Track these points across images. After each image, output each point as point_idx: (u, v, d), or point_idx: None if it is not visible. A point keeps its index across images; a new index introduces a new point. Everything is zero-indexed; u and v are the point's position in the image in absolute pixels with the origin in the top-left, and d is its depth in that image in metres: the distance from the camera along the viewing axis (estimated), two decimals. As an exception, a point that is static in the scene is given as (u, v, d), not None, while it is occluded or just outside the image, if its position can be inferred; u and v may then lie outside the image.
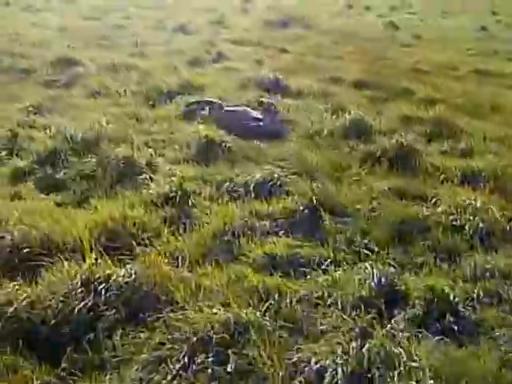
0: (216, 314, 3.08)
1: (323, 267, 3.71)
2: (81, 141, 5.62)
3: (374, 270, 3.50)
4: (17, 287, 3.35)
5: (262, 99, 7.00)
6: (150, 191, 4.67)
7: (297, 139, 6.13)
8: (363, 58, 11.58)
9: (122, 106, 7.23)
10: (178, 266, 3.63)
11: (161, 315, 3.18)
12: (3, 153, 5.65)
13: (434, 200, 4.67)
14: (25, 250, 3.71)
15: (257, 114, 6.59)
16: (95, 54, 10.58)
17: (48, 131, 6.12)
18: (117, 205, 4.43)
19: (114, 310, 3.18)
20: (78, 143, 5.60)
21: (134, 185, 4.88)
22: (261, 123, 6.46)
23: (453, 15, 19.92)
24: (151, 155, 5.35)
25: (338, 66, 10.45)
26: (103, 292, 3.24)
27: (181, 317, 3.13)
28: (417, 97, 8.24)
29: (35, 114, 6.98)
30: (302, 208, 4.38)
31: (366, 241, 4.05)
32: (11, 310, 3.14)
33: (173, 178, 4.78)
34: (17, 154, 5.60)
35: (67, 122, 6.55)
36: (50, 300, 3.21)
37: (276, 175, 4.93)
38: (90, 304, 3.19)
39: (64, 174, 5.17)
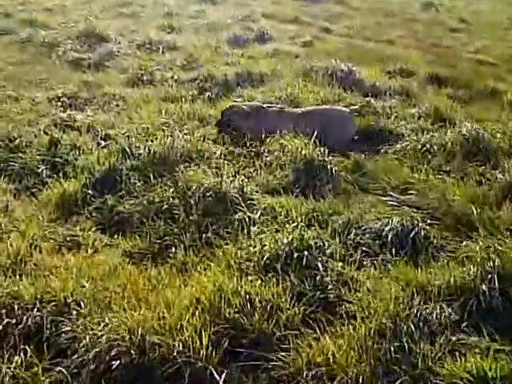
0: None
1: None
2: (146, 155, 4.22)
3: None
4: None
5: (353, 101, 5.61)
6: (255, 247, 3.31)
7: (410, 158, 4.77)
8: (417, 44, 10.12)
9: (176, 100, 5.74)
10: None
11: None
12: (43, 168, 4.23)
13: None
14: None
15: (347, 119, 5.21)
16: (119, 25, 9.03)
17: (96, 136, 4.71)
18: (217, 267, 3.11)
19: None
20: (143, 159, 4.20)
21: (231, 230, 3.53)
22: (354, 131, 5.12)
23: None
24: (241, 183, 3.97)
25: (396, 54, 8.94)
26: None
27: None
28: (509, 99, 6.88)
29: (70, 106, 5.53)
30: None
31: None
32: None
33: (288, 226, 3.43)
34: (61, 172, 4.19)
35: (115, 121, 5.14)
36: None
37: (415, 221, 3.61)
38: None
39: (130, 205, 3.77)
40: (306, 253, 3.13)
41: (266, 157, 4.50)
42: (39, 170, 4.19)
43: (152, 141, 4.44)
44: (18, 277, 2.95)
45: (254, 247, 3.28)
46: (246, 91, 6.19)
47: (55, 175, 4.16)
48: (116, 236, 3.57)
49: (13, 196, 3.94)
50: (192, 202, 3.71)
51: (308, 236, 3.32)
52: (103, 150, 4.44)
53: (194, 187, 3.80)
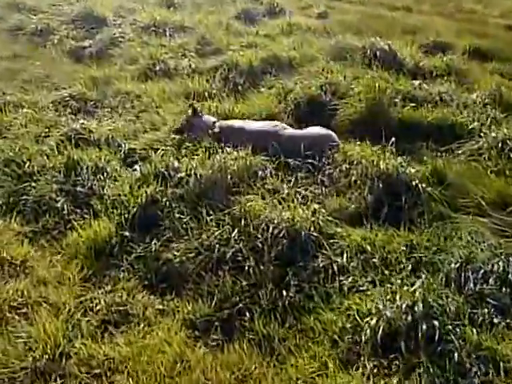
0: None
1: None
2: (190, 181, 3.34)
3: None
4: None
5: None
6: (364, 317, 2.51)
7: (491, 160, 3.92)
8: (437, 10, 9.14)
9: (200, 96, 4.80)
10: None
11: None
12: (62, 201, 3.34)
13: None
14: None
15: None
16: (115, 4, 7.90)
17: (120, 151, 3.82)
18: (318, 345, 2.32)
19: None
20: (187, 186, 3.32)
21: (317, 284, 2.71)
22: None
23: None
24: (315, 215, 3.13)
25: (420, 23, 7.97)
26: None
27: None
28: None
29: (79, 111, 4.59)
30: None
31: None
32: None
33: (387, 272, 2.63)
34: (86, 206, 3.31)
35: (136, 129, 4.23)
36: None
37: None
38: None
39: (181, 252, 2.89)
40: (435, 323, 2.36)
41: (330, 170, 3.67)
42: (58, 205, 3.31)
43: (192, 158, 3.58)
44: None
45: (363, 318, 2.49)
46: (275, 81, 5.28)
47: (79, 210, 3.31)
48: (169, 296, 2.76)
49: (30, 243, 3.11)
50: (261, 246, 2.89)
51: (426, 293, 2.53)
52: (134, 172, 3.57)
53: (260, 224, 2.96)
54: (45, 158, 3.71)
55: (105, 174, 3.57)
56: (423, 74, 5.59)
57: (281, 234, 2.91)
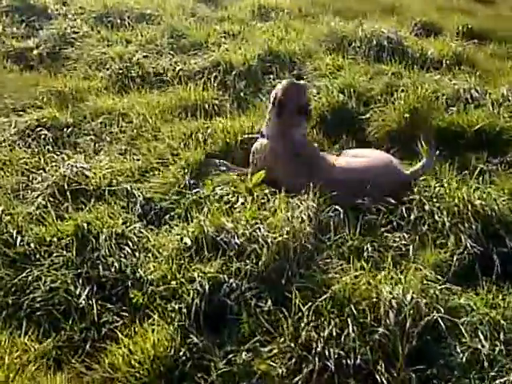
0: None
1: None
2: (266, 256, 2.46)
3: None
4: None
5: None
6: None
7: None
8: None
9: (202, 110, 3.83)
10: None
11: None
12: (84, 293, 2.36)
13: None
14: None
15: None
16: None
17: (135, 206, 2.86)
18: None
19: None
20: (260, 261, 2.46)
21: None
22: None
23: None
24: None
25: (400, 1, 7.28)
26: None
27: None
28: None
29: (56, 143, 3.50)
30: None
31: None
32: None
33: None
34: (122, 299, 2.39)
35: (141, 168, 3.26)
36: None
37: None
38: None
39: (282, 368, 2.12)
40: None
41: (409, 210, 2.93)
42: (81, 301, 2.31)
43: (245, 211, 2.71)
44: None
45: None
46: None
47: (111, 305, 2.38)
48: None
49: (50, 366, 2.15)
50: (387, 342, 2.14)
51: None
52: (169, 237, 2.64)
53: (371, 308, 2.21)
54: (40, 226, 2.70)
55: (130, 243, 2.62)
56: (433, 64, 4.99)
57: (408, 323, 2.20)
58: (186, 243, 2.54)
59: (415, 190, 3.00)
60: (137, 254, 2.58)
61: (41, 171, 3.12)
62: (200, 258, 2.48)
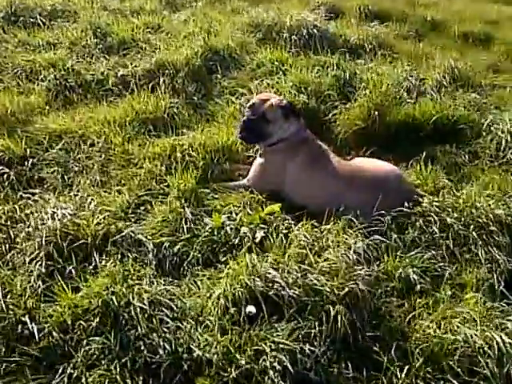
0: None
1: None
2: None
3: None
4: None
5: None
6: None
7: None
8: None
9: (169, 127, 3.54)
10: None
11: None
12: None
13: None
14: None
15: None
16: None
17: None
18: None
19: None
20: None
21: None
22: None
23: None
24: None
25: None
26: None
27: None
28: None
29: (23, 186, 3.04)
30: None
31: None
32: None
33: None
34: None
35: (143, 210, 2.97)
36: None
37: None
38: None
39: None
40: None
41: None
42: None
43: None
44: None
45: None
46: (226, 82, 4.25)
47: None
48: None
49: None
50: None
51: None
52: (214, 304, 2.31)
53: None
54: (52, 304, 2.29)
55: (165, 310, 2.28)
56: (357, 50, 5.05)
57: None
58: (250, 312, 2.25)
59: (424, 199, 2.96)
60: (179, 324, 2.26)
61: (21, 224, 2.69)
62: (260, 322, 2.24)
